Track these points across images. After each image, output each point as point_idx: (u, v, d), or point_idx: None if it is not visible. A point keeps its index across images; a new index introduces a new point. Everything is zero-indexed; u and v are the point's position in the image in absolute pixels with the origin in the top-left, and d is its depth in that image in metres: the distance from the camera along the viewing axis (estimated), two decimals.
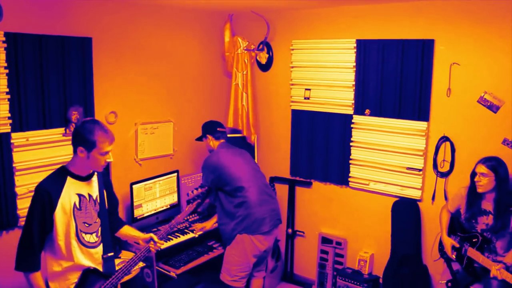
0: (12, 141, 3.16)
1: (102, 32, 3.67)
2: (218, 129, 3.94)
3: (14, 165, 3.19)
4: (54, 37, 3.33)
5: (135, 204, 3.83)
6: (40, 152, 3.32)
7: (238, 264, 3.67)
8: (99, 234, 2.57)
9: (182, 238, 3.85)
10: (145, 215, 3.93)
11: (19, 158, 3.21)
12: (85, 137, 2.40)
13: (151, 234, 2.77)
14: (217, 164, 3.70)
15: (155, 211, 4.02)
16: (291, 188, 4.72)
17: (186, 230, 3.97)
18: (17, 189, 3.20)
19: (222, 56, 4.81)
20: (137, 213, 3.86)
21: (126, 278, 3.30)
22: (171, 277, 3.66)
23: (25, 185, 3.23)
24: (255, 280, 3.93)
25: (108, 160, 2.51)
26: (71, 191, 2.46)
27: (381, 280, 4.17)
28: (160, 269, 3.67)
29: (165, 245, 3.68)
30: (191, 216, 4.28)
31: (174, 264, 3.71)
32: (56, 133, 3.38)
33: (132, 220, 3.82)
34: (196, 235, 3.93)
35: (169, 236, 3.82)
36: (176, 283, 4.04)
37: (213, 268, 4.08)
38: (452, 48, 3.66)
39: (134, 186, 3.82)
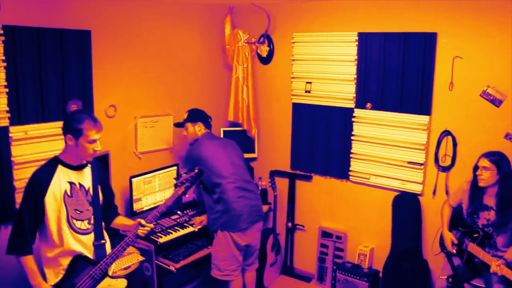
0: (10, 134, 3.13)
1: (101, 25, 3.64)
2: (209, 119, 3.92)
3: (12, 158, 3.16)
4: (53, 30, 3.29)
5: (134, 197, 3.82)
6: (39, 145, 3.29)
7: (225, 259, 3.66)
8: (91, 221, 2.65)
9: (182, 232, 3.84)
10: (145, 208, 3.92)
11: (17, 151, 3.19)
12: (72, 125, 2.52)
13: (139, 219, 2.79)
14: (198, 157, 3.67)
15: (155, 205, 4.00)
16: (292, 182, 4.70)
17: (185, 224, 3.96)
18: (15, 183, 3.18)
19: (222, 49, 4.78)
20: (137, 206, 3.85)
21: (125, 272, 3.30)
22: (171, 271, 3.65)
23: (24, 179, 3.18)
24: (247, 273, 3.93)
25: (96, 149, 2.58)
26: (61, 178, 2.56)
27: (381, 275, 4.17)
28: (160, 263, 3.66)
29: (164, 239, 3.68)
30: (190, 210, 4.27)
31: (173, 258, 3.70)
32: (54, 126, 3.34)
33: (132, 214, 3.81)
34: (196, 229, 3.92)
35: (169, 230, 3.82)
36: (176, 277, 4.05)
37: None
38: (455, 42, 3.63)
39: (133, 180, 3.80)
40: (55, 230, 2.53)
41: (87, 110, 2.66)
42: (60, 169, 2.58)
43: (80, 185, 2.63)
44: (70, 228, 2.56)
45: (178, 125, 4.02)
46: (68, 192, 2.57)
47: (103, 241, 2.69)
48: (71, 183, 2.59)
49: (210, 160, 3.65)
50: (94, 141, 2.56)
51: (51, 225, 2.53)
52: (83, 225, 2.61)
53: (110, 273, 2.69)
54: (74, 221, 2.57)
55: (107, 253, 2.70)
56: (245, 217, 3.62)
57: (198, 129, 3.84)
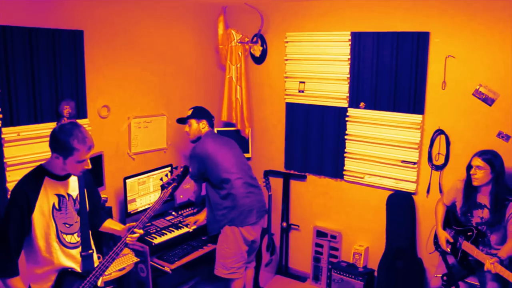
0: (2, 136, 3.10)
1: (94, 25, 3.62)
2: (212, 118, 3.94)
3: (5, 160, 3.13)
4: (45, 30, 3.27)
5: (128, 198, 3.80)
6: (32, 147, 3.26)
7: (232, 256, 3.66)
8: (80, 234, 2.48)
9: (176, 232, 3.83)
10: (139, 209, 3.90)
11: (10, 153, 3.15)
12: (61, 144, 2.26)
13: (129, 224, 2.68)
14: (205, 154, 3.67)
15: (149, 206, 3.95)
16: (286, 182, 4.70)
17: (180, 225, 3.95)
18: (8, 185, 3.14)
19: (215, 49, 4.77)
20: (131, 207, 3.83)
21: (119, 273, 3.29)
22: (166, 272, 3.64)
23: (16, 180, 3.14)
24: (247, 270, 3.94)
25: (85, 167, 2.40)
26: (49, 192, 2.35)
27: (376, 273, 4.18)
28: (155, 264, 3.65)
29: (159, 240, 3.67)
30: (185, 210, 4.25)
31: (168, 259, 3.69)
32: (47, 127, 3.31)
33: (126, 215, 3.79)
34: (190, 229, 3.91)
35: (163, 231, 3.80)
36: (171, 278, 4.03)
37: (208, 263, 4.06)
38: (447, 41, 3.65)
39: (127, 181, 3.78)
40: (43, 247, 2.34)
41: (76, 124, 2.37)
42: (47, 181, 2.35)
43: (68, 195, 2.43)
44: (60, 243, 2.38)
45: (180, 121, 4.01)
46: (57, 206, 2.36)
47: (90, 251, 2.52)
48: (59, 196, 2.39)
49: (216, 156, 3.66)
50: (84, 160, 2.34)
51: (39, 242, 2.32)
52: (73, 238, 2.44)
53: (99, 283, 2.54)
54: (64, 235, 2.39)
55: (94, 263, 2.55)
56: (255, 212, 3.67)
57: (202, 126, 3.84)
